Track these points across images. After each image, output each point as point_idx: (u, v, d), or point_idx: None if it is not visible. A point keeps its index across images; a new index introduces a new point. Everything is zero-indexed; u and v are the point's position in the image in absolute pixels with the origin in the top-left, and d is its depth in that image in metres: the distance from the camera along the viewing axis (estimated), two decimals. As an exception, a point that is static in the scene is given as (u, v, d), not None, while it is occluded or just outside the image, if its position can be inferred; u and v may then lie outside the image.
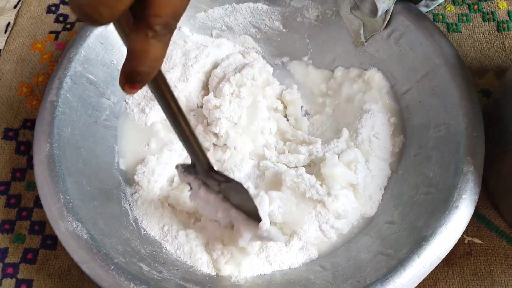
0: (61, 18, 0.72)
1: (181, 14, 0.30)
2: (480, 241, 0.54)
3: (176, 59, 0.59)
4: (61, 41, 0.69)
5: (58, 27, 0.71)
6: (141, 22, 0.29)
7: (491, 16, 0.68)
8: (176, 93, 0.59)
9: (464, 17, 0.69)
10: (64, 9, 0.73)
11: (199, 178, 0.46)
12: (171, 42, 0.59)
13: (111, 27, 0.57)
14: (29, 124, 0.63)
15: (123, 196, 0.54)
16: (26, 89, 0.66)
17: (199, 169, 0.44)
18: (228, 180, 0.43)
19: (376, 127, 0.57)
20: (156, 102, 0.57)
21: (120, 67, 0.58)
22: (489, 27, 0.68)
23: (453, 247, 0.46)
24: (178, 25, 0.62)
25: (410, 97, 0.59)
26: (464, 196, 0.47)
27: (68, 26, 0.71)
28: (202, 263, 0.50)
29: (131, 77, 0.30)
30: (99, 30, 0.57)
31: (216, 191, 0.45)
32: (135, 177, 0.55)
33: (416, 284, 0.45)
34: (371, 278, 0.45)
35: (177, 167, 0.47)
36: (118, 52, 0.59)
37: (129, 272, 0.44)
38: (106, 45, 0.58)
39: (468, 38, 0.68)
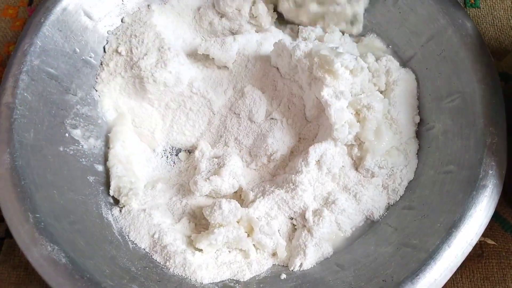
0: None
1: None
2: (493, 242, 0.49)
3: (149, 43, 0.52)
4: (36, 6, 0.61)
5: None
6: None
7: None
8: (153, 81, 0.51)
9: (484, -9, 0.61)
10: None
11: None
12: (140, 22, 0.53)
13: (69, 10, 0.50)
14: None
15: (103, 205, 0.47)
16: None
17: None
18: None
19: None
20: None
21: (84, 57, 0.51)
22: (511, 2, 0.60)
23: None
24: (148, 1, 0.55)
25: (415, 65, 0.53)
26: (491, 172, 0.42)
27: None
28: (202, 276, 0.43)
29: None
30: (55, 16, 0.49)
31: None
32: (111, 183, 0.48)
33: (448, 278, 0.40)
34: (398, 275, 0.40)
35: None
36: (80, 39, 0.51)
37: (120, 297, 0.38)
38: (65, 32, 0.50)
39: (487, 14, 0.60)
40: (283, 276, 0.45)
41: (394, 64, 0.52)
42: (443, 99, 0.49)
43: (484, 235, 0.47)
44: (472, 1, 0.60)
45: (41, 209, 0.41)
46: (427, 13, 0.51)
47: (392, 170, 0.48)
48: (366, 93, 0.49)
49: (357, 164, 0.49)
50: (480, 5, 0.60)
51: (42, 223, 0.40)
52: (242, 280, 0.45)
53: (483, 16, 0.60)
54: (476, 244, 0.46)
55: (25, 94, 0.45)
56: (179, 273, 0.44)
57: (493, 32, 0.59)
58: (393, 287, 0.39)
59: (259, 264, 0.46)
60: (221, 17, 0.56)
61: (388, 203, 0.48)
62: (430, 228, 0.42)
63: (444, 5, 0.50)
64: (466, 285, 0.47)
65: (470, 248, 0.41)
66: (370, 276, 0.41)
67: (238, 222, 0.46)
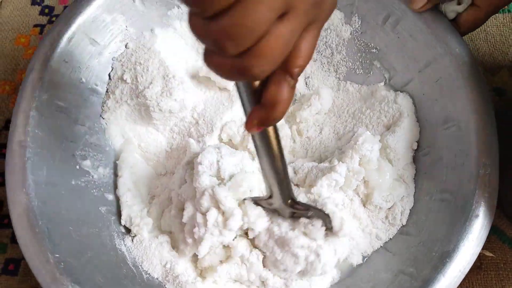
0: (46, 10, 0.67)
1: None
2: (491, 254, 0.51)
3: (154, 71, 0.52)
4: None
5: (43, 20, 0.66)
6: (284, 73, 0.29)
7: (506, 7, 0.62)
8: (159, 109, 0.52)
9: (477, 8, 0.62)
10: (49, 1, 0.67)
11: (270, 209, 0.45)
12: (144, 48, 0.54)
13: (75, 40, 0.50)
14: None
15: (116, 236, 0.49)
16: (9, 87, 0.62)
17: (278, 200, 0.42)
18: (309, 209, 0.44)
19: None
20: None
21: (90, 85, 0.52)
22: (503, 19, 0.61)
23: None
24: (150, 26, 0.55)
25: (412, 90, 0.55)
26: (483, 203, 0.45)
27: (54, 19, 0.65)
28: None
29: (265, 123, 0.31)
30: (61, 47, 0.49)
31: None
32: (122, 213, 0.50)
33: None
34: (396, 304, 0.43)
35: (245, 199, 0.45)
36: (85, 69, 0.52)
37: (140, 332, 0.40)
38: (71, 63, 0.50)
39: (481, 31, 0.61)
40: (290, 301, 0.48)
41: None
42: (439, 126, 0.51)
43: (483, 247, 0.50)
44: None
45: (60, 249, 0.43)
46: (424, 40, 0.52)
47: (396, 201, 0.51)
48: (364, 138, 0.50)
49: (364, 201, 0.51)
50: None
51: (62, 263, 0.42)
52: None
53: (477, 33, 0.62)
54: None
55: (36, 131, 0.46)
56: (192, 304, 0.46)
57: (486, 48, 0.61)
58: (391, 316, 0.42)
59: (268, 291, 0.49)
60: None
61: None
62: (426, 256, 0.45)
63: (442, 34, 0.51)
64: (465, 298, 0.50)
65: (462, 276, 0.43)
66: (369, 304, 0.45)
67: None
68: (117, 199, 0.51)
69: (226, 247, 0.47)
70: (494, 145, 0.47)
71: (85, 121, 0.51)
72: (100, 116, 0.53)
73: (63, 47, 0.50)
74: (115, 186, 0.52)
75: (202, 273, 0.48)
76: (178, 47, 0.57)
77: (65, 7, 0.65)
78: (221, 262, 0.47)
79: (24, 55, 0.64)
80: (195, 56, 0.57)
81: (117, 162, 0.53)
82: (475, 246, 0.44)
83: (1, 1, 0.65)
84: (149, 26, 0.56)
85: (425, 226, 0.48)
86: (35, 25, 0.65)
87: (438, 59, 0.51)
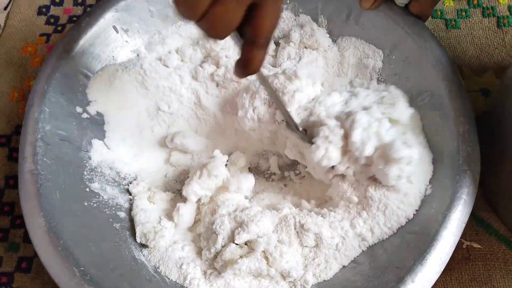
0: (52, 20, 0.69)
1: (275, 28, 0.40)
2: (479, 246, 0.52)
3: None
4: (52, 44, 0.67)
5: (49, 29, 0.69)
6: (249, 40, 0.40)
7: (491, 11, 0.65)
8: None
9: (464, 13, 0.66)
10: (55, 11, 0.70)
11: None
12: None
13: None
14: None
15: (134, 248, 0.51)
16: (18, 94, 0.64)
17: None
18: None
19: None
20: None
21: (88, 115, 0.55)
22: (489, 23, 0.65)
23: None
24: (136, 52, 0.59)
25: (384, 73, 0.59)
26: (468, 158, 0.48)
27: (59, 28, 0.68)
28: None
29: (244, 73, 0.42)
30: (57, 81, 0.53)
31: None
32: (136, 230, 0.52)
33: (451, 254, 0.45)
34: (408, 260, 0.45)
35: None
36: (82, 99, 0.55)
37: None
38: (68, 95, 0.54)
39: (467, 34, 0.65)
40: (308, 281, 0.50)
41: None
42: (414, 100, 0.55)
43: (471, 239, 0.53)
44: (453, 23, 0.66)
45: (83, 262, 0.44)
46: (386, 27, 0.57)
47: None
48: None
49: None
50: (460, 26, 0.65)
51: (88, 275, 0.44)
52: None
53: (464, 36, 0.65)
54: (463, 248, 0.52)
55: (45, 159, 0.49)
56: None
57: (473, 51, 0.64)
58: (406, 272, 0.44)
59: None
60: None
61: None
62: (427, 214, 0.48)
63: (401, 18, 0.56)
64: (455, 286, 0.51)
65: (463, 226, 0.46)
66: (385, 266, 0.47)
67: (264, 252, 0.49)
68: (130, 216, 0.53)
69: (249, 245, 0.50)
70: (467, 104, 0.51)
71: (88, 148, 0.54)
72: (103, 141, 0.56)
73: (58, 81, 0.53)
74: (125, 205, 0.54)
75: (222, 267, 0.49)
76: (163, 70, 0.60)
77: (69, 17, 0.68)
78: (241, 257, 0.49)
79: (32, 63, 0.66)
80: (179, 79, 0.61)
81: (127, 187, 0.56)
82: (470, 197, 0.47)
83: (8, 12, 0.68)
84: (134, 52, 0.60)
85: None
86: (41, 34, 0.68)
87: (401, 41, 0.56)
